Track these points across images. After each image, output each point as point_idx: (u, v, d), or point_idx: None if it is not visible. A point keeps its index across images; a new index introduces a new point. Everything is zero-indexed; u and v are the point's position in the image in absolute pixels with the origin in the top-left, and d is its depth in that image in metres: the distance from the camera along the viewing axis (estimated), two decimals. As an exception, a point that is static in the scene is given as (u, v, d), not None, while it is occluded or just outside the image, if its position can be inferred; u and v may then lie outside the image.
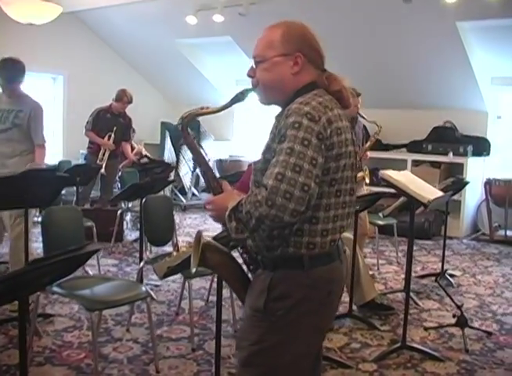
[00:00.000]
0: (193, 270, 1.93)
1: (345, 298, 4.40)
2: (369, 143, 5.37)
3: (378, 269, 5.74)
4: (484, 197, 7.54)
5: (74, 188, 6.08)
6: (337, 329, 4.06)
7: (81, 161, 7.77)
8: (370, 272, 5.22)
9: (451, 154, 7.45)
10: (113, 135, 6.87)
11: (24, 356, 2.01)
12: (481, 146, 7.63)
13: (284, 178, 1.69)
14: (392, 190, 3.88)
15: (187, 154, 8.97)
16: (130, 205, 7.01)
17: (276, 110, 1.95)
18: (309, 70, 1.93)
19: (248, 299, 1.96)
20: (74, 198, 6.10)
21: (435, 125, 7.84)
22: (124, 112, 7.02)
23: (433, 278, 5.30)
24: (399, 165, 7.14)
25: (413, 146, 7.96)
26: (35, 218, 6.06)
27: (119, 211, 6.32)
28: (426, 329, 4.11)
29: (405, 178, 3.84)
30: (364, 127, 5.62)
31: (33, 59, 8.25)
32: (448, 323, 4.09)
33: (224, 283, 2.45)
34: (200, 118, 8.31)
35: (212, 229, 6.72)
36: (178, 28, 8.27)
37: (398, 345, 3.70)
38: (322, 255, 1.87)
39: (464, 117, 7.71)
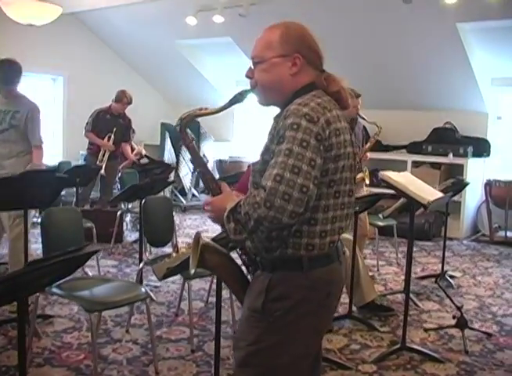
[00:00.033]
0: (192, 271, 1.93)
1: (345, 299, 4.40)
2: (369, 144, 5.37)
3: (378, 270, 5.74)
4: (484, 198, 7.54)
5: (74, 189, 6.08)
6: (337, 330, 4.05)
7: (81, 162, 7.76)
8: (370, 274, 5.22)
9: (451, 155, 7.44)
10: (112, 136, 6.87)
11: (23, 357, 2.01)
12: (482, 147, 7.63)
13: (283, 179, 1.69)
14: (392, 191, 3.88)
15: (187, 155, 8.96)
16: (130, 206, 7.01)
17: (276, 110, 1.95)
18: (308, 71, 1.93)
19: (246, 300, 1.95)
20: (74, 199, 6.09)
21: (435, 126, 7.84)
22: (123, 113, 7.02)
23: (433, 279, 5.30)
24: (399, 166, 7.14)
25: (413, 147, 7.95)
26: (35, 219, 6.06)
27: (119, 212, 6.32)
28: (426, 330, 4.10)
29: (405, 180, 3.83)
30: (364, 128, 5.62)
31: (33, 59, 8.28)
32: (448, 324, 4.08)
33: (223, 284, 2.44)
34: (200, 119, 8.33)
35: (212, 230, 6.73)
36: (178, 29, 8.28)
37: (398, 346, 3.70)
38: (321, 257, 1.87)
39: (464, 118, 7.71)
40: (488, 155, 7.67)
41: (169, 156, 9.37)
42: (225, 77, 9.47)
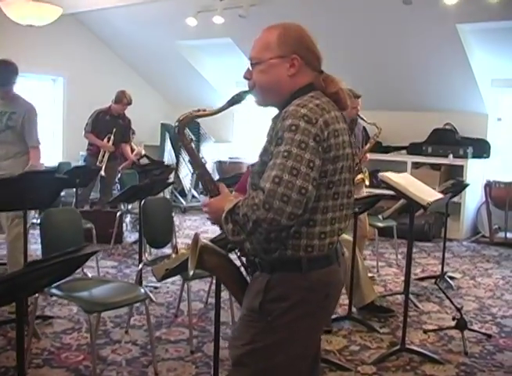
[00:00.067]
0: (191, 273, 1.93)
1: (344, 300, 4.41)
2: (368, 145, 5.36)
3: (378, 271, 5.73)
4: (484, 199, 7.54)
5: (74, 190, 6.08)
6: (337, 331, 4.05)
7: (81, 163, 7.76)
8: (370, 275, 5.22)
9: (451, 156, 7.44)
10: (112, 137, 6.87)
11: (22, 358, 2.01)
12: (482, 148, 7.63)
13: (281, 181, 1.69)
14: (392, 192, 3.88)
15: (187, 156, 8.95)
16: (129, 207, 7.00)
17: (274, 111, 1.95)
18: (306, 72, 1.93)
19: (245, 300, 1.95)
20: (74, 200, 6.09)
21: (435, 127, 7.84)
22: (123, 113, 7.01)
23: (433, 280, 5.29)
24: (399, 167, 7.13)
25: (413, 148, 7.95)
26: (34, 220, 6.05)
27: (118, 213, 6.32)
28: (425, 331, 4.10)
29: (405, 181, 3.83)
30: (364, 129, 5.61)
31: (33, 60, 8.29)
32: (448, 325, 4.08)
33: (223, 285, 2.44)
34: (200, 120, 8.33)
35: (212, 231, 6.72)
36: (178, 30, 8.28)
37: (398, 347, 3.69)
38: (320, 258, 1.87)
39: (464, 119, 7.71)
40: (488, 156, 7.67)
41: (169, 157, 9.37)
42: (225, 77, 9.47)
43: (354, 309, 4.35)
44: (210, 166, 9.59)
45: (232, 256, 2.06)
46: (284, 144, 1.73)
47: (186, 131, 2.08)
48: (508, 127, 7.84)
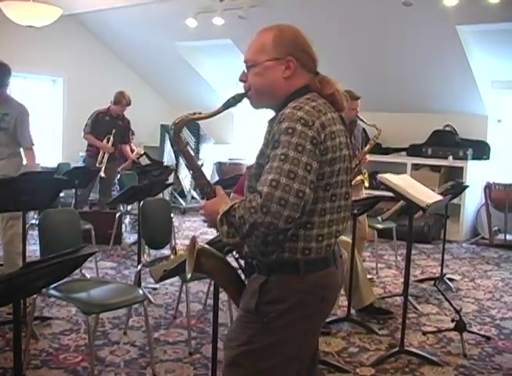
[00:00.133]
0: (188, 276, 1.92)
1: (343, 301, 4.41)
2: (368, 147, 5.36)
3: (377, 273, 5.73)
4: (483, 200, 7.54)
5: (73, 190, 6.07)
6: (335, 333, 4.04)
7: (81, 164, 7.76)
8: (369, 276, 5.22)
9: (451, 158, 7.44)
10: (111, 138, 6.87)
11: (19, 359, 2.01)
12: (481, 150, 7.63)
13: (279, 184, 1.68)
14: (391, 194, 3.87)
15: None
16: (129, 208, 7.00)
17: (271, 113, 1.94)
18: (302, 74, 1.92)
19: (241, 301, 1.95)
20: (73, 201, 6.09)
21: (435, 129, 7.84)
22: (122, 114, 7.02)
23: (432, 282, 5.28)
24: (399, 169, 7.12)
25: (413, 150, 7.95)
26: (33, 221, 6.05)
27: (117, 214, 6.32)
28: (424, 333, 4.09)
29: (404, 182, 3.82)
30: (364, 130, 5.61)
31: (32, 61, 8.30)
32: (447, 327, 4.07)
33: (220, 288, 2.44)
34: (200, 121, 8.31)
35: (211, 232, 6.71)
36: (178, 31, 8.28)
37: (396, 349, 3.68)
38: (317, 260, 1.86)
39: (464, 120, 7.71)
40: (488, 158, 7.67)
41: (168, 158, 9.37)
42: (225, 79, 9.47)
43: (353, 311, 4.34)
44: (209, 167, 9.59)
45: (229, 259, 2.06)
46: (281, 147, 1.72)
47: (182, 135, 2.07)
48: (508, 129, 7.84)
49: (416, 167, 7.82)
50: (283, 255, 1.84)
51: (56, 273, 2.14)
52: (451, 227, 7.10)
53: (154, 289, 4.92)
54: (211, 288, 4.03)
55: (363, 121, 5.22)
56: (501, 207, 7.28)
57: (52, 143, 9.31)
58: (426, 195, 3.81)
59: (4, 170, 4.36)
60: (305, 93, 1.88)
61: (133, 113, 7.36)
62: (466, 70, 6.98)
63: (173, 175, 8.68)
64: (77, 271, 4.63)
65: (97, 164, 6.79)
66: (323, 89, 1.92)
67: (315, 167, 1.74)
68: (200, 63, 9.49)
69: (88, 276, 5.00)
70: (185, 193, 9.46)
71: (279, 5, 6.82)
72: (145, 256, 5.37)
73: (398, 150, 8.21)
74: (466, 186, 6.05)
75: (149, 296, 4.63)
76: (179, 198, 9.34)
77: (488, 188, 7.41)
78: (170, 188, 8.63)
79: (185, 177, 9.30)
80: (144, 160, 8.44)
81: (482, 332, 4.12)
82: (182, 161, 9.19)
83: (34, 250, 5.55)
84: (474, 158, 7.48)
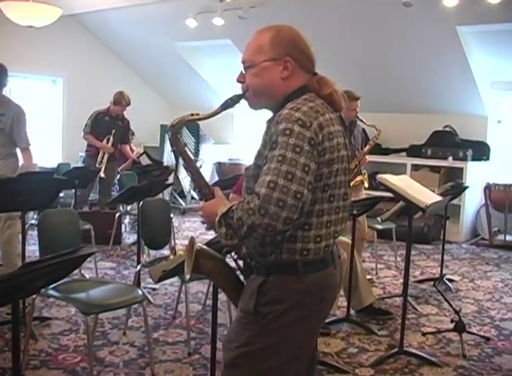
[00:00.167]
0: (187, 277, 1.92)
1: (343, 302, 4.41)
2: (368, 147, 5.36)
3: (377, 273, 5.72)
4: (483, 201, 7.53)
5: (73, 191, 6.07)
6: (335, 334, 4.04)
7: (80, 164, 7.76)
8: (368, 277, 5.22)
9: (450, 159, 7.44)
10: (111, 138, 6.87)
11: (17, 360, 2.01)
12: (481, 151, 7.63)
13: (276, 186, 1.68)
14: (391, 194, 3.87)
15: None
16: (128, 208, 7.01)
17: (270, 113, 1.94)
18: (299, 75, 1.91)
19: (240, 302, 1.95)
20: (73, 201, 6.09)
21: (435, 129, 7.83)
22: (122, 115, 7.02)
23: (431, 283, 5.28)
24: (399, 169, 7.13)
25: (413, 151, 7.94)
26: (33, 221, 6.05)
27: (117, 214, 6.31)
28: (424, 334, 4.09)
29: (403, 183, 3.82)
30: (363, 130, 5.61)
31: (32, 61, 8.31)
32: (447, 328, 4.06)
33: (219, 288, 2.43)
34: (200, 121, 8.31)
35: (211, 233, 6.70)
36: (178, 31, 8.28)
37: (396, 350, 3.68)
38: (316, 261, 1.86)
39: (464, 121, 7.71)
40: (488, 159, 7.66)
41: (168, 158, 9.37)
42: (225, 79, 9.46)
43: (352, 312, 4.34)
44: (209, 167, 9.60)
45: (228, 259, 2.06)
46: (279, 148, 1.72)
47: (182, 136, 2.07)
48: (508, 129, 7.84)
49: (415, 167, 7.82)
50: (281, 256, 1.83)
51: (55, 274, 2.13)
52: (451, 228, 7.11)
53: (154, 289, 4.91)
54: (211, 289, 4.04)
55: (363, 122, 5.22)
56: (501, 208, 7.28)
57: (52, 143, 9.31)
58: (425, 196, 3.81)
59: (0, 170, 4.35)
60: (303, 94, 1.87)
61: (133, 114, 7.36)
62: (466, 71, 6.98)
63: (173, 175, 8.68)
64: (77, 271, 4.63)
65: (97, 165, 6.80)
66: (321, 90, 1.92)
67: (312, 168, 1.73)
68: (200, 64, 9.49)
69: (88, 276, 5.00)
70: (185, 193, 9.45)
71: (279, 6, 6.82)
72: (144, 256, 5.37)
73: (397, 151, 8.21)
74: (466, 187, 6.06)
75: (149, 296, 4.63)
76: (179, 198, 9.34)
77: (488, 189, 7.41)
78: (170, 188, 8.63)
79: (185, 177, 9.29)
80: (144, 160, 8.44)
81: (482, 333, 4.12)
82: (181, 162, 9.18)
83: (33, 250, 5.55)
84: (473, 159, 7.47)
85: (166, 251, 5.29)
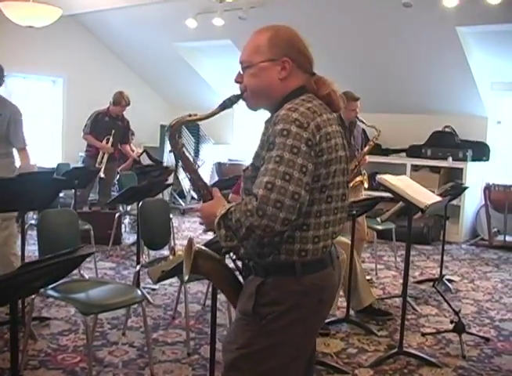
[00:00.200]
0: (186, 278, 1.92)
1: (343, 302, 4.41)
2: (367, 147, 5.35)
3: (376, 274, 5.72)
4: (483, 202, 7.53)
5: (73, 191, 6.07)
6: (334, 334, 4.04)
7: (80, 164, 7.76)
8: (368, 277, 5.22)
9: (450, 159, 7.44)
10: (111, 139, 6.87)
11: (16, 360, 2.01)
12: (481, 151, 7.63)
13: (274, 187, 1.67)
14: (391, 195, 3.87)
15: (190, 158, 8.95)
16: (128, 208, 7.00)
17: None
18: (297, 75, 1.91)
19: (239, 303, 1.94)
20: (73, 201, 6.09)
21: (435, 130, 7.83)
22: (122, 115, 7.02)
23: (431, 283, 5.27)
24: (399, 170, 7.13)
25: (413, 151, 7.94)
26: (32, 221, 6.05)
27: (117, 215, 6.31)
28: (423, 335, 4.08)
29: (403, 183, 3.82)
30: (363, 131, 5.61)
31: (32, 61, 8.31)
32: (446, 328, 4.06)
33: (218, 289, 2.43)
34: (200, 122, 8.31)
35: (210, 233, 6.70)
36: (177, 31, 8.28)
37: (395, 350, 3.68)
38: (314, 262, 1.86)
39: (464, 121, 7.71)
40: (488, 159, 7.67)
41: (168, 158, 9.37)
42: (225, 79, 9.46)
43: (352, 312, 4.34)
44: (209, 168, 9.60)
45: (227, 260, 2.05)
46: (276, 149, 1.72)
47: (182, 136, 2.07)
48: (508, 130, 7.84)
49: (415, 168, 7.82)
50: (280, 257, 1.83)
51: (54, 274, 2.13)
52: (450, 228, 7.11)
53: (153, 289, 4.91)
54: (210, 289, 4.04)
55: (363, 122, 5.22)
56: (500, 209, 7.28)
57: (52, 144, 9.31)
58: (425, 196, 3.81)
59: None
60: (301, 94, 1.87)
61: (133, 114, 7.36)
62: (465, 72, 6.98)
63: (173, 175, 8.68)
64: (76, 271, 4.63)
65: (96, 165, 6.80)
66: (319, 90, 1.91)
67: (310, 168, 1.73)
68: (200, 64, 9.49)
69: (87, 276, 4.99)
70: (185, 193, 9.45)
71: (279, 6, 6.82)
72: (144, 257, 5.37)
73: (397, 151, 8.21)
74: (466, 187, 6.06)
75: (148, 297, 4.63)
76: (179, 199, 9.34)
77: (488, 189, 7.41)
78: (169, 188, 8.63)
79: (185, 178, 9.25)
80: (144, 159, 8.44)
81: (481, 333, 4.11)
82: (180, 162, 9.18)
83: (33, 250, 5.54)
84: (473, 159, 7.47)
85: (165, 252, 5.28)
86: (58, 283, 3.04)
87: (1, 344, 3.64)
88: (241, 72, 1.95)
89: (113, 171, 7.07)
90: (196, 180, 2.03)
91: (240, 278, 2.02)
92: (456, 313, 3.90)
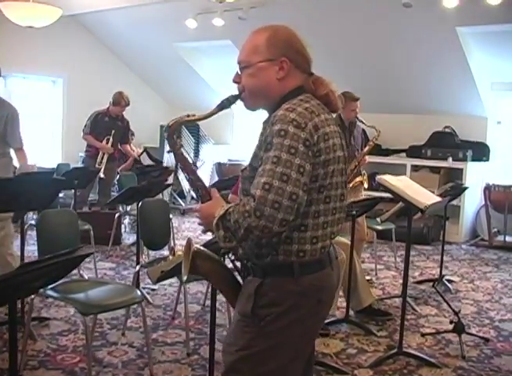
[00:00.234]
0: (184, 278, 1.91)
1: (342, 303, 4.40)
2: (367, 148, 5.34)
3: (376, 274, 5.72)
4: (483, 202, 7.53)
5: (73, 191, 6.07)
6: (334, 334, 4.03)
7: (80, 164, 7.76)
8: (368, 278, 5.22)
9: (450, 159, 7.43)
10: (111, 139, 6.87)
11: (14, 360, 2.00)
12: (481, 152, 7.62)
13: (272, 187, 1.67)
14: (390, 195, 3.87)
15: (188, 158, 8.95)
16: (128, 209, 7.00)
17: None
18: (295, 75, 1.90)
19: (237, 304, 1.94)
20: (72, 201, 6.09)
21: (435, 130, 7.83)
22: (121, 115, 7.02)
23: (431, 284, 5.27)
24: (399, 170, 7.13)
25: (413, 151, 7.94)
26: (32, 221, 6.05)
27: (117, 215, 6.31)
28: (423, 335, 4.08)
29: (402, 184, 3.82)
30: (363, 131, 5.60)
31: (32, 62, 8.31)
32: (446, 329, 4.06)
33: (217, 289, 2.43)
34: (200, 122, 8.32)
35: (209, 233, 6.70)
36: (177, 32, 8.28)
37: (395, 350, 3.68)
38: (312, 263, 1.85)
39: (464, 122, 7.71)
40: (488, 159, 7.66)
41: (168, 158, 9.37)
42: (225, 79, 9.45)
43: (351, 312, 4.33)
44: (209, 168, 9.59)
45: (227, 260, 2.05)
46: (273, 150, 1.71)
47: (180, 136, 2.07)
48: (508, 130, 7.84)
49: (415, 168, 7.82)
50: (278, 258, 1.83)
51: (53, 274, 2.14)
52: (450, 228, 7.11)
53: (153, 290, 4.91)
54: (210, 289, 4.04)
55: (363, 122, 5.21)
56: (500, 209, 7.27)
57: (52, 144, 9.31)
58: (424, 196, 3.80)
59: None
60: (299, 94, 1.87)
61: (133, 114, 7.36)
62: (465, 72, 6.98)
63: (173, 175, 8.68)
64: (76, 271, 4.62)
65: (96, 165, 6.80)
66: (317, 90, 1.91)
67: (308, 169, 1.73)
68: (200, 64, 9.49)
69: (87, 276, 4.99)
70: (185, 193, 9.45)
71: (279, 6, 6.82)
72: (143, 257, 5.37)
73: (397, 152, 8.21)
74: (466, 188, 6.06)
75: (148, 297, 4.63)
76: (179, 199, 9.34)
77: (488, 189, 7.41)
78: (169, 189, 8.63)
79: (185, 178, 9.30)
80: (144, 159, 8.44)
81: (481, 334, 4.11)
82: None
83: (32, 250, 5.54)
84: (473, 160, 7.47)
85: (165, 252, 5.28)
86: (57, 283, 3.04)
87: (1, 344, 3.64)
88: (239, 72, 1.95)
89: (113, 171, 7.07)
90: (194, 180, 2.02)
91: (239, 278, 2.02)
92: (456, 314, 3.90)
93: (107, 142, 6.87)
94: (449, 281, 5.42)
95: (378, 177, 3.84)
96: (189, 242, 1.93)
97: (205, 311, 4.46)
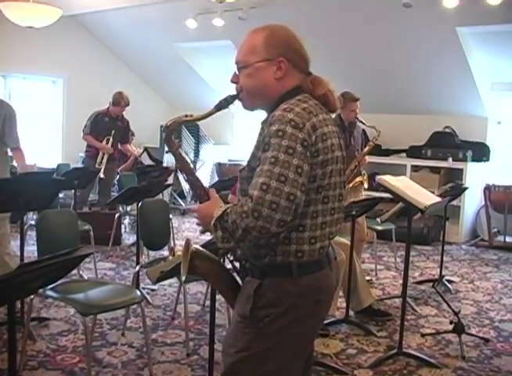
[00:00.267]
0: (183, 278, 1.91)
1: (342, 303, 4.40)
2: (367, 148, 5.34)
3: (376, 274, 5.72)
4: (483, 202, 7.52)
5: (73, 191, 6.07)
6: (334, 335, 4.03)
7: (80, 165, 7.77)
8: (368, 278, 5.22)
9: (450, 160, 7.43)
10: (111, 139, 6.86)
11: (14, 360, 2.00)
12: (481, 152, 7.62)
13: (269, 188, 1.67)
14: (390, 196, 3.86)
15: (187, 158, 8.96)
16: (128, 209, 7.00)
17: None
18: (293, 75, 1.90)
19: (236, 305, 1.94)
20: (72, 201, 6.09)
21: (435, 130, 7.83)
22: (121, 115, 7.02)
23: (431, 284, 5.27)
24: (399, 170, 7.13)
25: (413, 152, 7.94)
26: (32, 221, 6.05)
27: (117, 215, 6.31)
28: (423, 335, 4.08)
29: (402, 184, 3.82)
30: (363, 131, 5.60)
31: (32, 62, 8.32)
32: (446, 329, 4.06)
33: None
34: (200, 122, 8.31)
35: (208, 234, 6.70)
36: (177, 32, 8.28)
37: (395, 351, 3.67)
38: (311, 263, 1.85)
39: (464, 122, 7.70)
40: (488, 160, 7.66)
41: (168, 158, 9.36)
42: (225, 80, 9.32)
43: (351, 313, 4.33)
44: (209, 168, 9.59)
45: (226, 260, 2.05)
46: (271, 150, 1.71)
47: (179, 136, 2.07)
48: (508, 130, 7.84)
49: (415, 168, 7.81)
50: (276, 258, 1.82)
51: (52, 274, 2.13)
52: (450, 229, 7.10)
53: (153, 290, 4.91)
54: (209, 289, 4.03)
55: (363, 123, 5.21)
56: (500, 209, 7.27)
57: (52, 144, 9.31)
58: (424, 196, 3.80)
59: None
60: (297, 94, 1.86)
61: (132, 114, 7.36)
62: (466, 72, 6.98)
63: (173, 176, 8.68)
64: (75, 272, 4.62)
65: (96, 165, 6.80)
66: (315, 90, 1.91)
67: (306, 169, 1.72)
68: (200, 64, 9.49)
69: (87, 276, 4.99)
70: (185, 193, 9.45)
71: (279, 6, 6.82)
72: (143, 257, 5.37)
73: (397, 152, 8.21)
74: (466, 188, 6.06)
75: (148, 297, 4.63)
76: (179, 199, 9.34)
77: (488, 190, 7.40)
78: (169, 189, 8.63)
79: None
80: (145, 159, 8.44)
81: (481, 334, 4.11)
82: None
83: (32, 250, 5.54)
84: (473, 160, 7.47)
85: (165, 252, 5.28)
86: (57, 283, 3.03)
87: (0, 344, 3.64)
88: (237, 72, 1.95)
89: (113, 171, 7.07)
90: (192, 181, 2.02)
91: (238, 279, 2.01)
92: (456, 314, 3.90)
93: (107, 143, 6.86)
94: (449, 281, 5.42)
95: (378, 177, 3.84)
96: (188, 242, 1.93)
97: (205, 311, 4.46)
